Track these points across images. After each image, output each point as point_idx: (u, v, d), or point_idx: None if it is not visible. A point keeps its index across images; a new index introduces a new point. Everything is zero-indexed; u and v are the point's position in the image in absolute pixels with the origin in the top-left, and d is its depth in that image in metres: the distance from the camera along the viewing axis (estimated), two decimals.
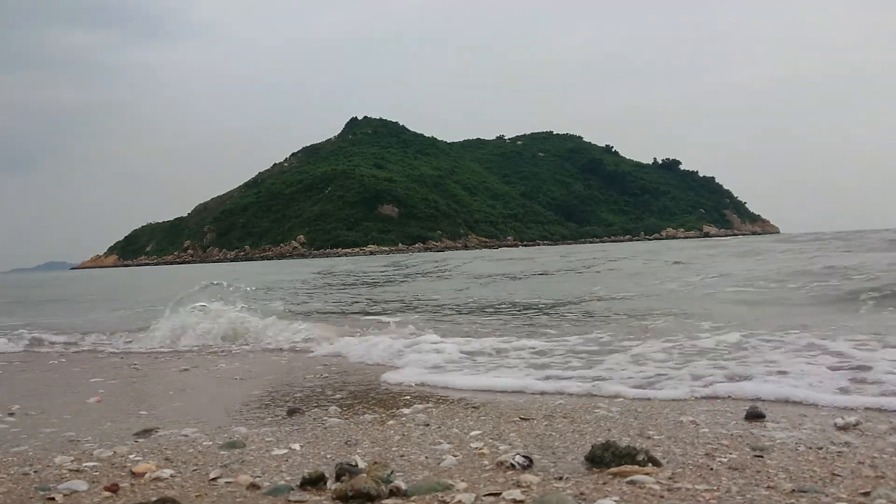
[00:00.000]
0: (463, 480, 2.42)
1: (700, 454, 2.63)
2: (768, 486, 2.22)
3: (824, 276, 10.98)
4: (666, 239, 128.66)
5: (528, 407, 3.71)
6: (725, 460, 2.54)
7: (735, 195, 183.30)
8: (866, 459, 2.49)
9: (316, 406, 4.01)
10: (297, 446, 3.02)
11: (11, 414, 4.02)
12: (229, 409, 4.08)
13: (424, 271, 24.93)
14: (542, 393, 4.13)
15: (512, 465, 2.55)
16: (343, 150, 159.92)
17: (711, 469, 2.43)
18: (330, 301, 13.48)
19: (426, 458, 2.76)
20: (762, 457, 2.56)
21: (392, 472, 2.43)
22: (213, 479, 2.56)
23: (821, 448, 2.66)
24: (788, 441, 2.78)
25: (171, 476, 2.60)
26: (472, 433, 3.14)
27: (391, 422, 3.49)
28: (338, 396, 4.34)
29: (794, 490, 2.18)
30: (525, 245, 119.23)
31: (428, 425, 3.36)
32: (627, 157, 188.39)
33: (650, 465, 2.46)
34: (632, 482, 2.31)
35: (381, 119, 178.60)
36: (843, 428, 2.94)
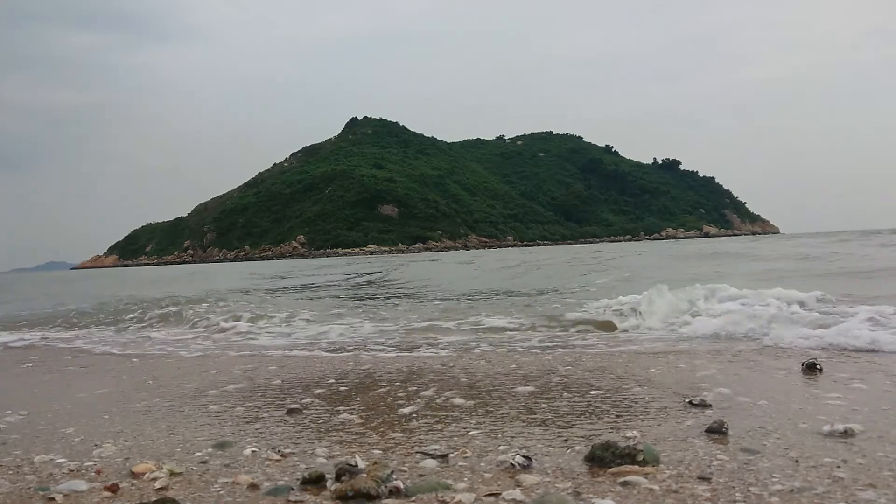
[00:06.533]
0: (463, 480, 2.41)
1: None
2: None
3: None
4: (666, 239, 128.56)
5: None
6: None
7: (735, 195, 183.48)
8: None
9: None
10: None
11: None
12: None
13: None
14: None
15: (511, 464, 2.55)
16: (343, 150, 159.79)
17: None
18: None
19: None
20: None
21: (392, 472, 2.42)
22: None
23: None
24: None
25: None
26: None
27: None
28: None
29: None
30: (525, 245, 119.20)
31: None
32: (627, 157, 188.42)
33: (650, 464, 2.46)
34: (631, 482, 2.31)
35: (381, 119, 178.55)
36: None
